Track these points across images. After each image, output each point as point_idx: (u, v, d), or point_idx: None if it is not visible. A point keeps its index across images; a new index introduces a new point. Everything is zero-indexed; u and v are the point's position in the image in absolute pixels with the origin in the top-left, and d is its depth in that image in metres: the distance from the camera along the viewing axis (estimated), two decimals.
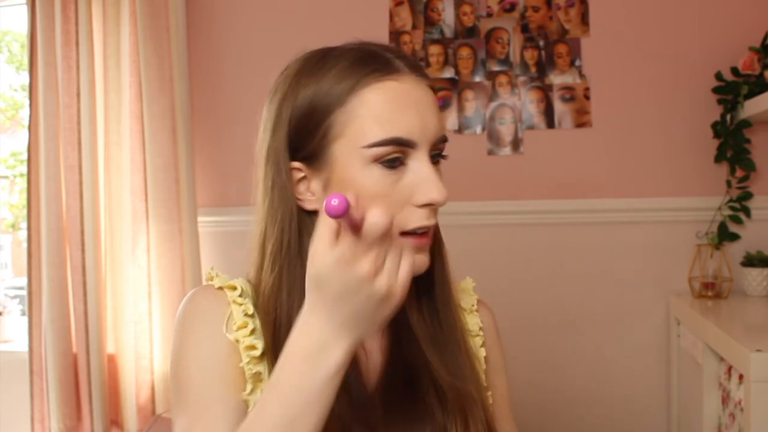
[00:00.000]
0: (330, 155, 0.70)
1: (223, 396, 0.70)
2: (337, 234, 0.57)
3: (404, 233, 0.69)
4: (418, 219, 0.69)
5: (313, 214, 0.72)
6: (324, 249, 0.57)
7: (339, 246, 0.57)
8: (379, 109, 0.68)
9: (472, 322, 0.85)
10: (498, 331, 0.90)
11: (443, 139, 0.72)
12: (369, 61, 0.70)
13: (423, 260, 0.71)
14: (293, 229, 0.72)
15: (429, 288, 0.78)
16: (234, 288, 0.75)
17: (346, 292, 0.57)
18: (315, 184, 0.72)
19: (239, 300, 0.74)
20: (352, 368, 0.71)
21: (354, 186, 0.68)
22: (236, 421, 0.66)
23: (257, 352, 0.71)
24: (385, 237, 0.57)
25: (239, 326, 0.73)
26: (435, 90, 0.74)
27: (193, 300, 0.76)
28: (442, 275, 0.79)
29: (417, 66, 0.72)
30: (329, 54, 0.73)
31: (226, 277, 0.78)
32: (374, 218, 0.56)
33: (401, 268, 0.59)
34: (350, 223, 0.56)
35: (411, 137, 0.68)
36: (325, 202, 0.54)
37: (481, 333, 0.85)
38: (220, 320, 0.73)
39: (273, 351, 0.70)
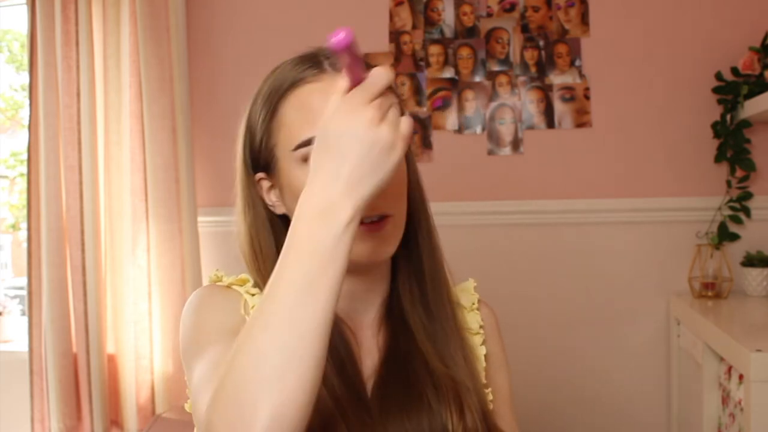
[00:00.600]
0: (276, 164, 0.76)
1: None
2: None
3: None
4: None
5: (285, 218, 0.77)
6: (330, 106, 0.59)
7: (344, 97, 0.58)
8: (300, 112, 0.73)
9: (472, 320, 0.85)
10: (499, 329, 0.90)
11: None
12: (296, 68, 0.76)
13: (376, 247, 0.72)
14: (268, 232, 0.78)
15: (421, 279, 0.80)
16: (244, 282, 0.77)
17: (351, 138, 0.56)
18: (276, 192, 0.77)
19: (252, 290, 0.76)
20: (349, 360, 0.74)
21: (296, 186, 0.71)
22: None
23: None
24: (388, 92, 0.58)
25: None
26: None
27: (205, 290, 0.77)
28: (431, 264, 0.80)
29: (332, 59, 0.75)
30: (275, 69, 0.81)
31: (233, 277, 0.80)
32: (379, 70, 0.57)
33: (402, 121, 0.58)
34: (355, 78, 0.58)
35: None
36: (330, 39, 0.55)
37: (482, 331, 0.85)
38: (237, 303, 0.74)
39: None
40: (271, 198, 0.78)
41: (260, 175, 0.79)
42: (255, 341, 0.54)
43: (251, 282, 0.78)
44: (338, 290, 0.57)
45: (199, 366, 0.69)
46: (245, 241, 0.79)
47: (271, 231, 0.78)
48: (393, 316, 0.79)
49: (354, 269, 0.74)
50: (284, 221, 0.77)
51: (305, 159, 0.69)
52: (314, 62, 0.75)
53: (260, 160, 0.78)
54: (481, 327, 0.85)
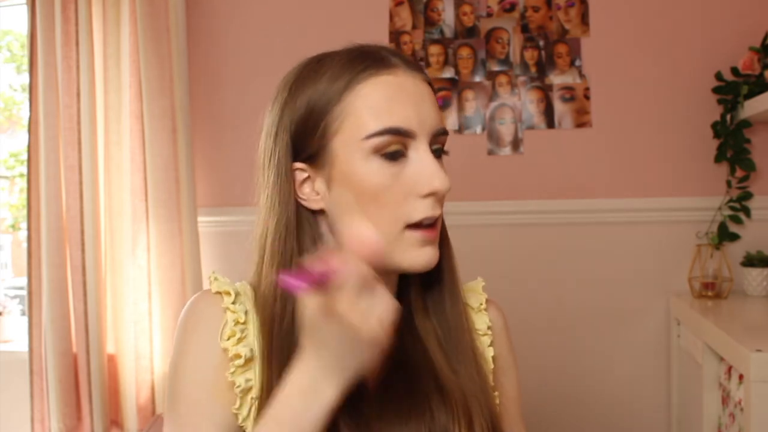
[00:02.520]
0: (330, 152, 0.71)
1: (212, 414, 0.71)
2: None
3: (410, 226, 0.70)
4: (423, 210, 0.70)
5: (318, 213, 0.74)
6: (309, 298, 0.61)
7: (319, 300, 0.60)
8: (375, 102, 0.70)
9: (480, 321, 0.84)
10: (508, 330, 0.89)
11: (442, 132, 0.73)
12: (363, 59, 0.72)
13: (432, 254, 0.71)
14: (292, 231, 0.73)
15: (436, 286, 0.78)
16: (228, 294, 0.75)
17: (331, 339, 0.61)
18: (319, 183, 0.73)
19: (232, 307, 0.74)
20: None
21: (355, 179, 0.69)
22: None
23: (241, 361, 0.72)
24: (363, 284, 0.59)
25: (229, 335, 0.73)
26: (433, 86, 0.76)
27: (193, 307, 0.76)
28: (450, 272, 0.79)
29: (412, 62, 0.74)
30: (325, 58, 0.77)
31: (225, 280, 0.77)
32: (349, 270, 0.58)
33: (378, 311, 0.60)
34: (320, 278, 0.59)
35: (409, 127, 0.69)
36: (279, 280, 0.59)
37: (490, 332, 0.84)
38: (215, 328, 0.73)
39: (268, 354, 0.72)
40: (304, 191, 0.74)
41: (299, 165, 0.74)
42: None
43: (232, 296, 0.75)
44: None
45: (167, 428, 0.73)
46: (270, 240, 0.74)
47: (295, 227, 0.74)
48: (401, 321, 0.75)
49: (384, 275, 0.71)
50: (313, 217, 0.74)
51: (375, 151, 0.69)
52: (380, 57, 0.72)
53: (306, 148, 0.73)
54: (489, 328, 0.84)
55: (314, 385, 0.63)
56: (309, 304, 0.60)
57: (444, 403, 0.72)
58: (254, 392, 0.72)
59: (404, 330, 0.76)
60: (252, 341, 0.73)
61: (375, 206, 0.70)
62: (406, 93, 0.71)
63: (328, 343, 0.61)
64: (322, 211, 0.74)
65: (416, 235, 0.70)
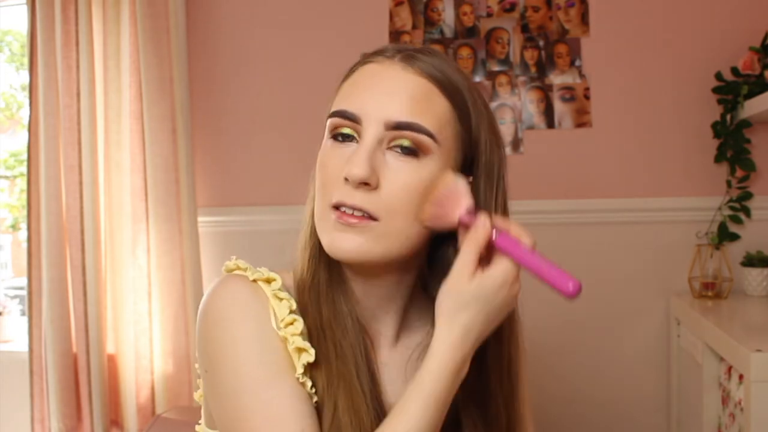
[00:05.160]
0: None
1: (293, 387, 0.66)
2: (478, 260, 0.65)
3: (333, 207, 0.68)
4: (339, 194, 0.67)
5: None
6: (482, 273, 0.64)
7: (502, 270, 0.64)
8: (348, 86, 0.71)
9: None
10: (522, 337, 0.89)
11: (402, 126, 0.66)
12: (370, 53, 0.73)
13: (349, 243, 0.66)
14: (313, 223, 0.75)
15: (486, 384, 0.75)
16: (273, 279, 0.71)
17: (503, 308, 0.65)
18: None
19: (280, 294, 0.70)
20: (371, 380, 0.71)
21: (320, 158, 0.71)
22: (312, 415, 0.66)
23: (310, 357, 0.67)
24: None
25: (287, 323, 0.68)
26: (438, 81, 0.70)
27: (228, 291, 0.70)
28: (498, 336, 0.73)
29: (413, 57, 0.70)
30: None
31: (252, 267, 0.73)
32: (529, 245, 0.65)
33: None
34: (512, 249, 0.65)
35: (354, 111, 0.68)
36: (569, 288, 0.64)
37: None
38: (266, 314, 0.68)
39: (317, 333, 0.70)
40: None
41: None
42: None
43: (278, 281, 0.71)
44: None
45: (252, 404, 0.65)
46: (302, 231, 0.75)
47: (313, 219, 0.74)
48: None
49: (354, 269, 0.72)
50: None
51: (329, 131, 0.70)
52: (381, 48, 0.73)
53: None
54: None
55: (465, 359, 0.64)
56: (486, 280, 0.63)
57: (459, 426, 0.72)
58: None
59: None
60: (306, 337, 0.69)
61: (318, 181, 0.71)
62: (373, 80, 0.69)
63: (492, 319, 0.64)
64: None
65: (333, 215, 0.67)
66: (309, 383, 0.67)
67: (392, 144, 0.67)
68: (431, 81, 0.69)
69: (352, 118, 0.68)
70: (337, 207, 0.67)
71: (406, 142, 0.67)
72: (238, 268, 0.73)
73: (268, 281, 0.71)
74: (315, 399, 0.68)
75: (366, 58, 0.72)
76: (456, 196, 0.67)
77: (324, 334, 0.70)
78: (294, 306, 0.70)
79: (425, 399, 0.62)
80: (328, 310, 0.71)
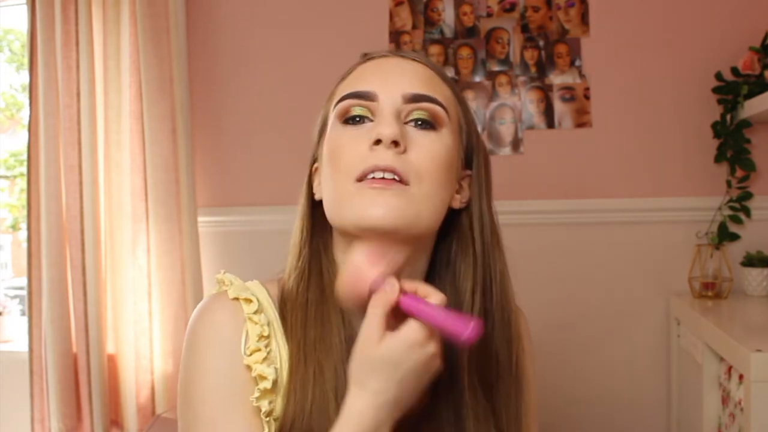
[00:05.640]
0: (325, 134, 0.75)
1: (247, 427, 0.66)
2: (386, 323, 0.62)
3: (360, 180, 0.67)
4: (369, 160, 0.67)
5: (318, 204, 0.75)
6: (390, 336, 0.61)
7: (409, 332, 0.60)
8: (350, 79, 0.73)
9: None
10: (529, 338, 0.87)
11: (419, 98, 0.69)
12: (365, 56, 0.75)
13: (384, 205, 0.65)
14: (306, 226, 0.76)
15: (488, 363, 0.73)
16: (250, 301, 0.71)
17: (417, 370, 0.61)
18: (320, 171, 0.75)
19: (254, 318, 0.69)
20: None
21: (326, 148, 0.71)
22: None
23: (267, 384, 0.67)
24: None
25: (252, 351, 0.68)
26: (438, 71, 0.74)
27: (207, 316, 0.71)
28: (502, 329, 0.74)
29: (407, 52, 0.75)
30: None
31: (240, 283, 0.73)
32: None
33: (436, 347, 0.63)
34: (421, 313, 0.61)
35: (369, 89, 0.69)
36: (461, 330, 0.58)
37: None
38: (237, 341, 0.68)
39: (295, 364, 0.68)
40: (315, 184, 0.76)
41: (315, 165, 0.77)
42: None
43: (255, 305, 0.70)
44: None
45: None
46: (292, 239, 0.76)
47: (308, 220, 0.75)
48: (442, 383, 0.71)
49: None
50: (317, 209, 0.75)
51: (339, 117, 0.70)
52: (378, 52, 0.75)
53: (318, 145, 0.77)
54: None
55: (377, 426, 0.60)
56: (395, 342, 0.60)
57: None
58: (276, 413, 0.67)
59: (437, 380, 0.70)
60: (276, 357, 0.69)
61: (332, 167, 0.70)
62: (379, 66, 0.72)
63: (414, 377, 0.61)
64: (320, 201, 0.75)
65: (364, 183, 0.66)
66: (265, 405, 0.67)
67: (409, 118, 0.69)
68: (431, 69, 0.73)
69: (366, 96, 0.69)
70: (363, 179, 0.67)
71: (423, 114, 0.69)
72: (226, 283, 0.73)
73: (248, 301, 0.71)
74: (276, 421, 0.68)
75: (364, 58, 0.74)
76: (367, 263, 0.64)
77: (305, 357, 0.68)
78: (266, 332, 0.69)
79: None
80: (315, 331, 0.70)
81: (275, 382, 0.67)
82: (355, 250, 0.64)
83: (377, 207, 0.65)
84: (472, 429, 0.70)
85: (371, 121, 0.69)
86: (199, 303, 0.73)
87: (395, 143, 0.66)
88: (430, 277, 0.75)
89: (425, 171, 0.67)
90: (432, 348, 0.61)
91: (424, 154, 0.68)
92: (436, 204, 0.69)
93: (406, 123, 0.69)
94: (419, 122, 0.69)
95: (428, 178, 0.67)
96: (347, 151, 0.68)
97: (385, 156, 0.66)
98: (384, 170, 0.66)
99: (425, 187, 0.67)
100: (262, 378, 0.67)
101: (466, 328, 0.58)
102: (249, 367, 0.68)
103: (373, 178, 0.66)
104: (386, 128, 0.66)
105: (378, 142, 0.66)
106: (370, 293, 0.63)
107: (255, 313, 0.70)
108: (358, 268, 0.64)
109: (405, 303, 0.62)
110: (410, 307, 0.61)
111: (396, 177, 0.66)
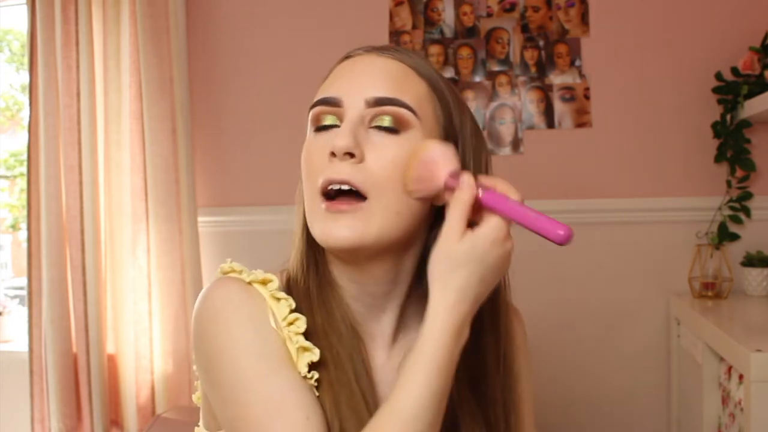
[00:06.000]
0: None
1: (295, 378, 0.65)
2: (467, 219, 0.63)
3: (323, 196, 0.67)
4: (325, 173, 0.67)
5: None
6: (471, 233, 0.62)
7: (491, 228, 0.63)
8: (326, 82, 0.73)
9: None
10: (525, 338, 0.87)
11: (381, 101, 0.68)
12: (344, 56, 0.75)
13: (340, 230, 0.66)
14: (303, 215, 0.75)
15: (481, 364, 0.74)
16: (270, 280, 0.70)
17: (496, 267, 0.63)
18: None
19: (278, 294, 0.69)
20: (366, 386, 0.69)
21: (306, 149, 0.72)
22: (317, 411, 0.64)
23: (314, 356, 0.66)
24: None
25: (289, 322, 0.68)
26: (416, 67, 0.72)
27: (224, 293, 0.69)
28: (503, 361, 0.75)
29: (380, 47, 0.73)
30: None
31: (246, 269, 0.72)
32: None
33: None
34: (501, 207, 0.64)
35: (334, 95, 0.69)
36: (560, 235, 0.62)
37: None
38: (263, 314, 0.68)
39: (309, 339, 0.68)
40: None
41: None
42: None
43: (275, 282, 0.70)
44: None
45: (258, 393, 0.64)
46: (298, 234, 0.76)
47: (304, 213, 0.74)
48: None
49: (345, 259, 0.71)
50: None
51: (311, 124, 0.71)
52: (362, 48, 0.74)
53: None
54: None
55: (464, 322, 0.62)
56: (478, 239, 0.62)
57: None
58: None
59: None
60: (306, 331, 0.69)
61: (304, 175, 0.71)
62: (351, 68, 0.71)
63: (489, 280, 0.63)
64: None
65: (323, 205, 0.67)
66: (315, 378, 0.66)
67: (373, 123, 0.68)
68: (407, 65, 0.72)
69: (332, 103, 0.69)
70: (325, 193, 0.67)
71: (387, 120, 0.68)
72: (233, 270, 0.72)
73: (264, 283, 0.71)
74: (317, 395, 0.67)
75: (344, 57, 0.74)
76: (440, 159, 0.65)
77: (319, 340, 0.68)
78: (294, 305, 0.69)
79: (428, 365, 0.60)
80: (321, 316, 0.70)
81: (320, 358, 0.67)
82: (427, 146, 0.66)
83: (338, 230, 0.66)
84: (467, 421, 0.71)
85: (338, 127, 0.69)
86: (206, 287, 0.72)
87: (350, 155, 0.66)
88: (421, 271, 0.74)
89: (384, 180, 0.66)
90: (510, 244, 0.64)
91: (383, 161, 0.67)
92: (401, 211, 0.68)
93: (370, 128, 0.68)
94: (383, 128, 0.68)
95: (388, 187, 0.66)
96: (314, 159, 0.69)
97: (340, 169, 0.66)
98: (340, 183, 0.66)
99: (386, 198, 0.66)
100: (306, 350, 0.67)
101: (561, 229, 0.60)
102: (287, 340, 0.67)
103: (330, 193, 0.66)
104: (340, 140, 0.66)
105: (333, 154, 0.66)
106: (445, 188, 0.65)
107: (277, 289, 0.70)
108: (432, 162, 0.65)
109: (487, 199, 0.63)
110: (495, 203, 0.63)
111: (353, 193, 0.66)
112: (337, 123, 0.69)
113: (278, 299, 0.69)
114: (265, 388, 0.64)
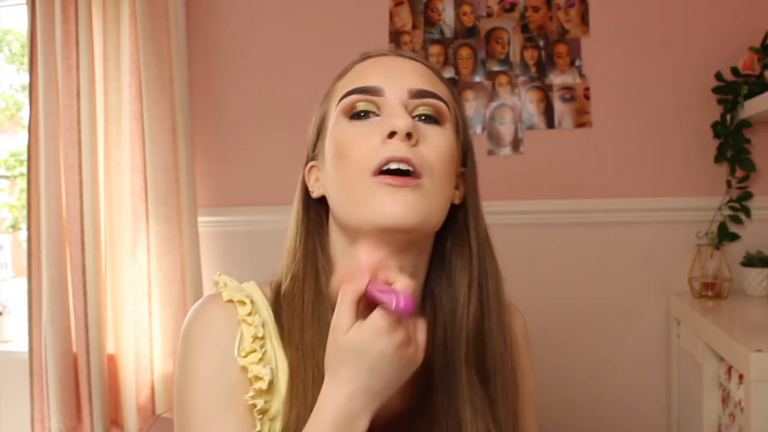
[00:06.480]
0: (323, 134, 0.75)
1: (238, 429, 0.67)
2: (357, 310, 0.61)
3: (377, 174, 0.67)
4: (384, 151, 0.66)
5: (318, 202, 0.76)
6: (357, 325, 0.60)
7: (374, 319, 0.59)
8: (352, 76, 0.74)
9: None
10: (527, 336, 0.87)
11: (424, 93, 0.70)
12: (363, 55, 0.76)
13: (404, 203, 0.65)
14: (301, 226, 0.76)
15: (490, 305, 0.74)
16: (243, 303, 0.71)
17: (384, 359, 0.59)
18: (319, 169, 0.75)
19: (248, 320, 0.70)
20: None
21: (330, 144, 0.71)
22: None
23: (263, 384, 0.67)
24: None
25: (248, 352, 0.68)
26: (435, 71, 0.76)
27: (202, 316, 0.71)
28: (498, 323, 0.74)
29: (404, 52, 0.76)
30: None
31: (235, 285, 0.73)
32: (405, 297, 0.58)
33: (418, 330, 0.62)
34: (378, 300, 0.60)
35: (376, 84, 0.70)
36: (393, 302, 0.57)
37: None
38: (230, 342, 0.69)
39: (295, 367, 0.68)
40: (311, 182, 0.76)
41: (311, 163, 0.77)
42: None
43: (248, 307, 0.71)
44: None
45: None
46: (288, 238, 0.76)
47: (303, 220, 0.75)
48: (436, 343, 0.72)
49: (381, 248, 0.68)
50: (318, 207, 0.76)
51: (344, 112, 0.70)
52: (377, 51, 0.76)
53: (315, 146, 0.77)
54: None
55: (351, 416, 0.60)
56: (361, 331, 0.59)
57: None
58: (272, 413, 0.68)
59: (437, 356, 0.72)
60: (271, 358, 0.69)
61: (342, 162, 0.69)
62: (381, 63, 0.72)
63: (380, 367, 0.59)
64: (321, 198, 0.75)
65: (383, 179, 0.65)
66: (261, 403, 0.67)
67: (414, 113, 0.70)
68: (429, 68, 0.75)
69: (372, 91, 0.69)
70: (379, 173, 0.66)
71: (428, 110, 0.70)
72: (221, 285, 0.74)
73: (242, 304, 0.71)
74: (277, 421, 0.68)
75: (363, 57, 0.75)
76: (360, 263, 0.63)
77: (304, 360, 0.69)
78: (261, 333, 0.70)
79: None
80: (312, 332, 0.70)
81: (271, 383, 0.68)
82: (358, 250, 0.64)
83: (395, 205, 0.65)
84: (469, 420, 0.70)
85: (377, 116, 0.69)
86: (194, 304, 0.74)
87: (409, 135, 0.67)
88: (428, 274, 0.76)
89: (436, 164, 0.68)
90: (400, 336, 0.59)
91: (433, 148, 0.68)
92: (444, 198, 0.70)
93: (412, 117, 0.70)
94: (424, 117, 0.70)
95: (438, 172, 0.68)
96: (358, 145, 0.68)
97: (400, 147, 0.66)
98: (400, 161, 0.65)
99: (436, 181, 0.68)
100: (258, 378, 0.67)
101: (399, 300, 0.57)
102: (244, 368, 0.68)
103: (388, 170, 0.66)
104: (400, 120, 0.66)
105: (392, 134, 0.66)
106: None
107: (249, 314, 0.70)
108: (355, 264, 0.63)
109: (369, 290, 0.61)
110: (371, 294, 0.61)
111: (411, 168, 0.66)
112: (375, 111, 0.69)
113: (249, 324, 0.70)
114: (207, 428, 0.66)
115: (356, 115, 0.70)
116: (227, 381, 0.68)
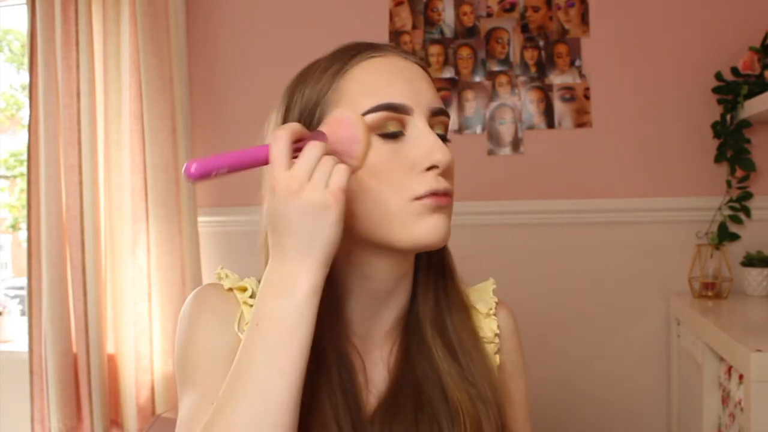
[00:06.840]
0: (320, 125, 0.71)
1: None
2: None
3: (417, 198, 0.67)
4: (427, 183, 0.67)
5: None
6: (269, 197, 0.61)
7: (265, 181, 0.61)
8: (368, 81, 0.69)
9: (488, 327, 0.81)
10: (518, 333, 0.87)
11: (441, 111, 0.71)
12: (354, 47, 0.73)
13: (444, 224, 0.68)
14: None
15: (442, 294, 0.77)
16: (244, 289, 0.73)
17: (279, 215, 0.59)
18: None
19: (250, 301, 0.72)
20: (349, 383, 0.70)
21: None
22: None
23: None
24: (310, 144, 0.60)
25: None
26: (429, 73, 0.75)
27: (202, 295, 0.74)
28: (452, 277, 0.79)
29: (402, 49, 0.75)
30: (319, 58, 0.78)
31: (236, 277, 0.76)
32: (274, 140, 0.59)
33: (333, 175, 0.60)
34: (252, 161, 0.60)
35: (403, 101, 0.68)
36: (184, 168, 0.57)
37: (497, 340, 0.81)
38: (231, 318, 0.71)
39: None
40: None
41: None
42: (227, 419, 0.57)
43: (250, 291, 0.73)
44: (305, 360, 0.59)
45: (185, 400, 0.69)
46: (262, 237, 0.75)
47: None
48: (409, 331, 0.75)
49: (393, 259, 0.71)
50: None
51: (372, 129, 0.68)
52: (370, 44, 0.73)
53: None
54: (496, 335, 0.81)
55: (288, 277, 0.59)
56: (276, 185, 0.59)
57: (452, 418, 0.70)
58: None
59: (413, 338, 0.75)
60: None
61: (376, 182, 0.67)
62: (397, 70, 0.71)
63: (282, 229, 0.59)
64: None
65: (425, 202, 0.67)
66: None
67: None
68: (426, 72, 0.75)
69: (403, 110, 0.68)
70: (423, 197, 0.67)
71: (442, 129, 0.73)
72: (222, 276, 0.76)
73: (242, 289, 0.73)
74: None
75: (368, 53, 0.72)
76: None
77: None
78: None
79: (250, 324, 0.61)
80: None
81: None
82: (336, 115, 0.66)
83: (439, 227, 0.68)
84: (450, 385, 0.72)
85: (403, 135, 0.69)
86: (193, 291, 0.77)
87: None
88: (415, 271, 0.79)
89: (451, 182, 0.72)
90: (293, 188, 0.58)
91: (451, 168, 0.72)
92: None
93: None
94: (441, 136, 0.72)
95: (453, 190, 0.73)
96: (395, 169, 0.68)
97: (439, 180, 0.68)
98: (445, 193, 0.69)
99: (452, 199, 0.72)
100: None
101: (190, 164, 0.57)
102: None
103: (434, 194, 0.68)
104: (443, 156, 0.68)
105: (433, 167, 0.68)
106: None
107: (251, 297, 0.72)
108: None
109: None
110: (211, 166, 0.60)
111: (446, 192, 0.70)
112: (401, 130, 0.69)
113: (250, 305, 0.72)
114: (205, 401, 0.66)
115: (386, 135, 0.68)
116: (227, 347, 0.69)
